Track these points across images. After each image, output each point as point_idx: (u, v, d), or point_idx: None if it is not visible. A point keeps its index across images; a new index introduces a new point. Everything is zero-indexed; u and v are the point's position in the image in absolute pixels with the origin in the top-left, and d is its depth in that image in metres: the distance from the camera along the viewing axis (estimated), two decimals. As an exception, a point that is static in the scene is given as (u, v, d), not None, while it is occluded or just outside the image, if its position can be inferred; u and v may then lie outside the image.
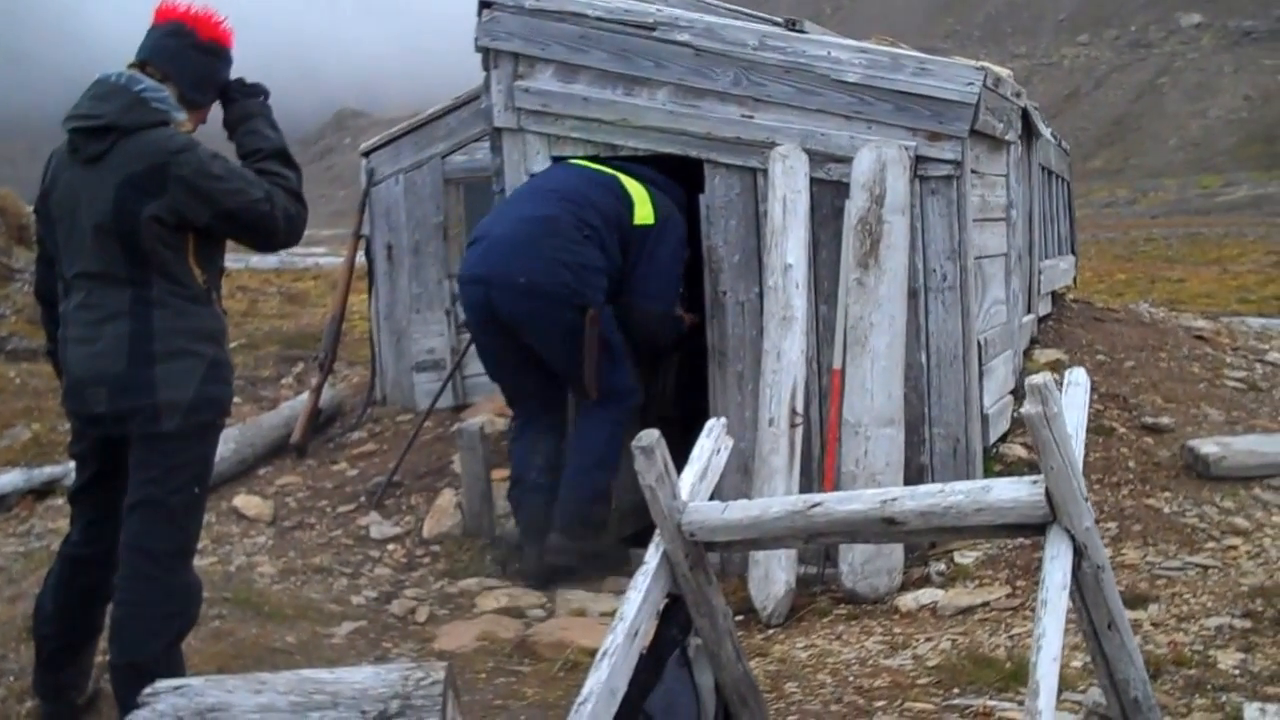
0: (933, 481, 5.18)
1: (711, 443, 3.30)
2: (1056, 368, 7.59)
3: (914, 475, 5.69)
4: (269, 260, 24.43)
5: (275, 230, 3.79)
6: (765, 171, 5.93)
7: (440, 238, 8.48)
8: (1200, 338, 10.24)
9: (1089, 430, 7.01)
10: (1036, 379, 2.61)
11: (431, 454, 7.49)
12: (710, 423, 3.35)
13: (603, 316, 5.92)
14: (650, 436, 2.95)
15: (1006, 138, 6.69)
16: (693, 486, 3.16)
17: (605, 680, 2.90)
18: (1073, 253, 12.58)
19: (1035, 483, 2.71)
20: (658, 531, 3.10)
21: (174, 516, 3.69)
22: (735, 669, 3.39)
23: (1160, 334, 10.05)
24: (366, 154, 8.71)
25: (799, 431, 5.68)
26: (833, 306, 5.85)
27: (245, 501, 7.03)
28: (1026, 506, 2.71)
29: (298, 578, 6.01)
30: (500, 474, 6.68)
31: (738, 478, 5.97)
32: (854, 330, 5.67)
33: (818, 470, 5.86)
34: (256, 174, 3.80)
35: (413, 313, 8.53)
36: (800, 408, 5.69)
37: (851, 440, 5.61)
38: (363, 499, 7.07)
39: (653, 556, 3.10)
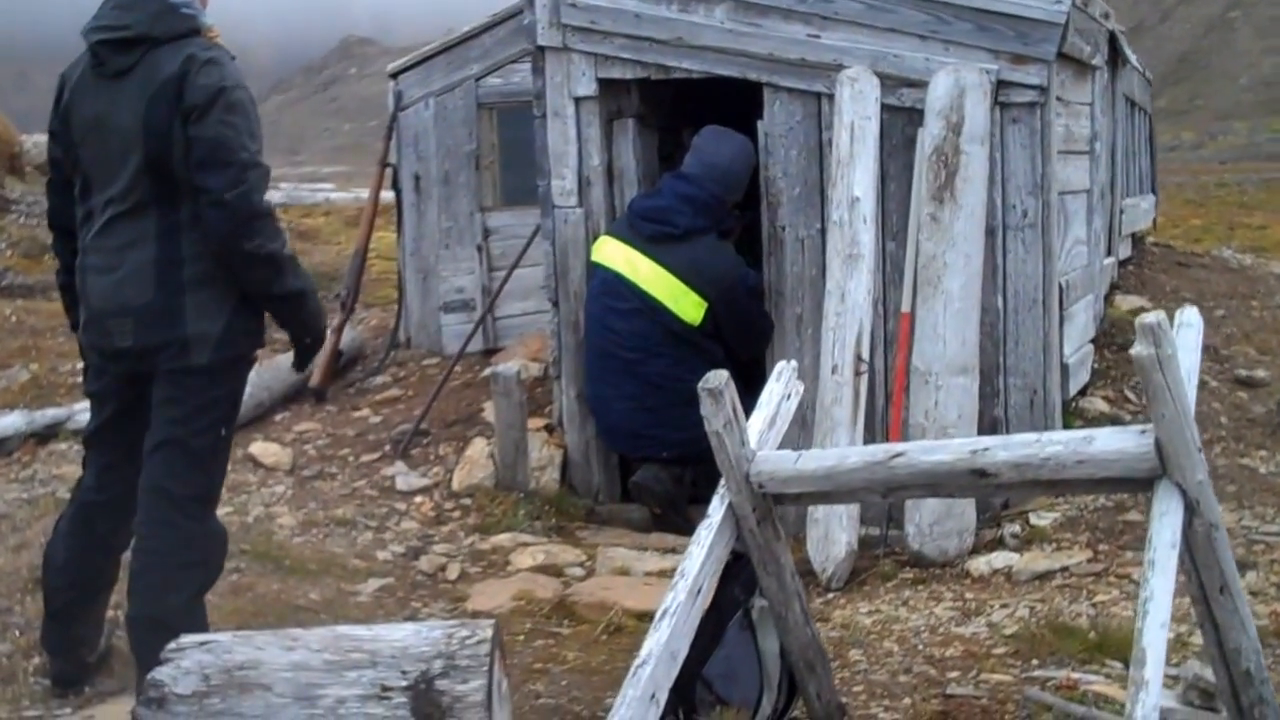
0: (1007, 436, 5.12)
1: (781, 387, 3.24)
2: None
3: (986, 428, 5.61)
4: (274, 196, 24.44)
5: (235, 205, 3.53)
6: (830, 96, 5.83)
7: (472, 167, 8.36)
8: (1294, 286, 10.11)
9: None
10: (1149, 317, 2.54)
11: (461, 401, 7.47)
12: (780, 365, 3.30)
13: None
14: (719, 378, 2.89)
15: (1093, 62, 6.56)
16: (761, 434, 3.11)
17: (665, 642, 2.85)
18: (1153, 192, 12.41)
19: (1144, 433, 2.65)
20: (723, 482, 3.05)
21: (198, 459, 3.67)
22: (803, 633, 3.35)
23: (1250, 281, 9.95)
24: (394, 75, 8.59)
25: (863, 380, 5.61)
26: (902, 244, 5.77)
27: (262, 449, 7.02)
28: (1133, 459, 2.66)
29: (319, 530, 6.02)
30: (536, 423, 6.66)
31: (794, 430, 5.90)
32: (926, 270, 5.58)
33: (881, 423, 5.79)
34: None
35: (441, 248, 8.44)
36: (865, 354, 5.62)
37: (921, 390, 5.54)
38: (387, 448, 7.06)
39: (717, 509, 3.05)
